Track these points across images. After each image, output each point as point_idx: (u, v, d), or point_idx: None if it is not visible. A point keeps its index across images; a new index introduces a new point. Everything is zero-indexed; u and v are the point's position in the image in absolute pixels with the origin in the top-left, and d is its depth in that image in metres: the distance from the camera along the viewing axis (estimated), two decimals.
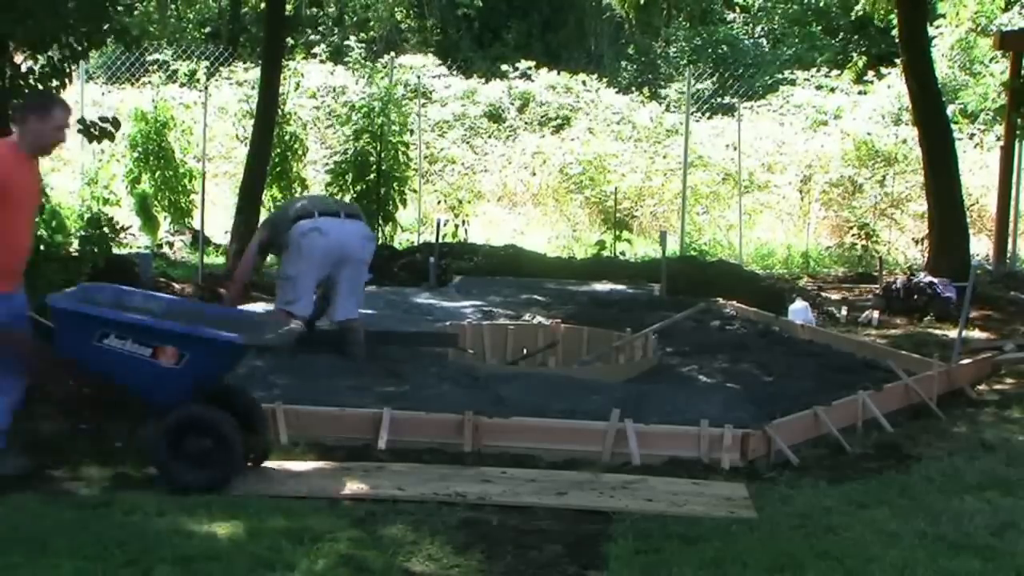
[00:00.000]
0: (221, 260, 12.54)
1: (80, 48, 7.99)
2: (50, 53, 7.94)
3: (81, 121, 8.22)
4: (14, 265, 5.37)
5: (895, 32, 14.57)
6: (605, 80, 23.38)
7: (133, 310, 5.46)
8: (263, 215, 13.05)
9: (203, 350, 5.12)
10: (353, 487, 5.25)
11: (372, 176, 13.77)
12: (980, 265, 12.62)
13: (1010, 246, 13.69)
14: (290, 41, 17.37)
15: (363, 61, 20.45)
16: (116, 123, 8.17)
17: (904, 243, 14.77)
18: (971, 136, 18.31)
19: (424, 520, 4.83)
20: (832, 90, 21.33)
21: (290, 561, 4.31)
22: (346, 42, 23.91)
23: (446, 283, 11.01)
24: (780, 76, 23.46)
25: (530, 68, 22.41)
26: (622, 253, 13.50)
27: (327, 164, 14.79)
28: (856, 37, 26.81)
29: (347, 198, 13.60)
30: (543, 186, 17.29)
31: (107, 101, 16.92)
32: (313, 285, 7.43)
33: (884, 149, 16.75)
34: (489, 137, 19.35)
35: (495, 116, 20.42)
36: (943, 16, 20.20)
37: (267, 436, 5.58)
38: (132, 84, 18.11)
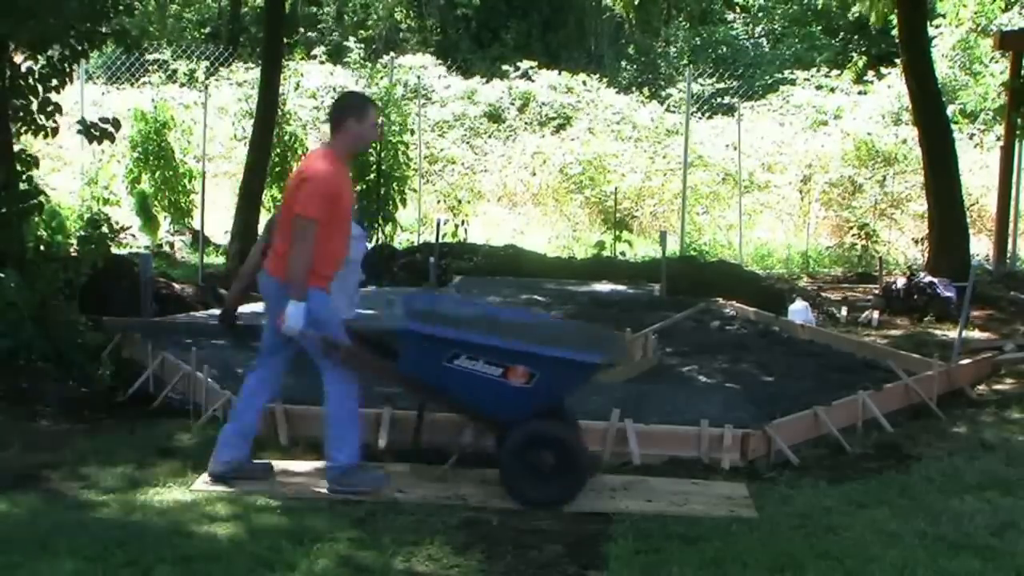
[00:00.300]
0: (221, 260, 12.55)
1: (80, 48, 8.00)
2: (50, 53, 7.95)
3: (81, 122, 8.24)
4: (333, 271, 5.31)
5: (895, 32, 14.57)
6: (605, 80, 23.39)
7: (444, 317, 5.44)
8: (263, 215, 13.06)
9: (557, 369, 5.08)
10: None
11: (372, 176, 13.76)
12: (980, 265, 12.62)
13: (1010, 246, 13.69)
14: (287, 41, 17.37)
15: (363, 61, 20.46)
16: (116, 124, 8.18)
17: (904, 243, 14.77)
18: (971, 136, 18.31)
19: (424, 520, 4.83)
20: (832, 90, 21.33)
21: (290, 561, 4.31)
22: (345, 42, 23.91)
23: (446, 283, 11.01)
24: (780, 76, 23.46)
25: (531, 68, 22.41)
26: (622, 253, 13.50)
27: None
28: (856, 37, 26.81)
29: None
30: (543, 186, 17.29)
31: (107, 101, 16.92)
32: None
33: (884, 149, 16.75)
34: (489, 137, 19.35)
35: (495, 116, 20.42)
36: (943, 16, 20.21)
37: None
38: (132, 84, 18.12)
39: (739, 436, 5.84)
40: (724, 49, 27.04)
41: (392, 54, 19.83)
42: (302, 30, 26.72)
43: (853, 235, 14.59)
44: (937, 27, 20.37)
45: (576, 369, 5.14)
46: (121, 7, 8.25)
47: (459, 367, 5.04)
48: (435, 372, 5.06)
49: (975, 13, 19.66)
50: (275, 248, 5.33)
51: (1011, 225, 13.59)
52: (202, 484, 5.22)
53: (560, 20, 29.08)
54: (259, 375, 5.42)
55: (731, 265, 12.56)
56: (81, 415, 6.41)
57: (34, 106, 7.89)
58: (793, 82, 21.98)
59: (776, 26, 28.97)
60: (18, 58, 8.06)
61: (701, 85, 20.64)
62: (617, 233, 13.78)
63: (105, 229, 8.25)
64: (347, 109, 5.30)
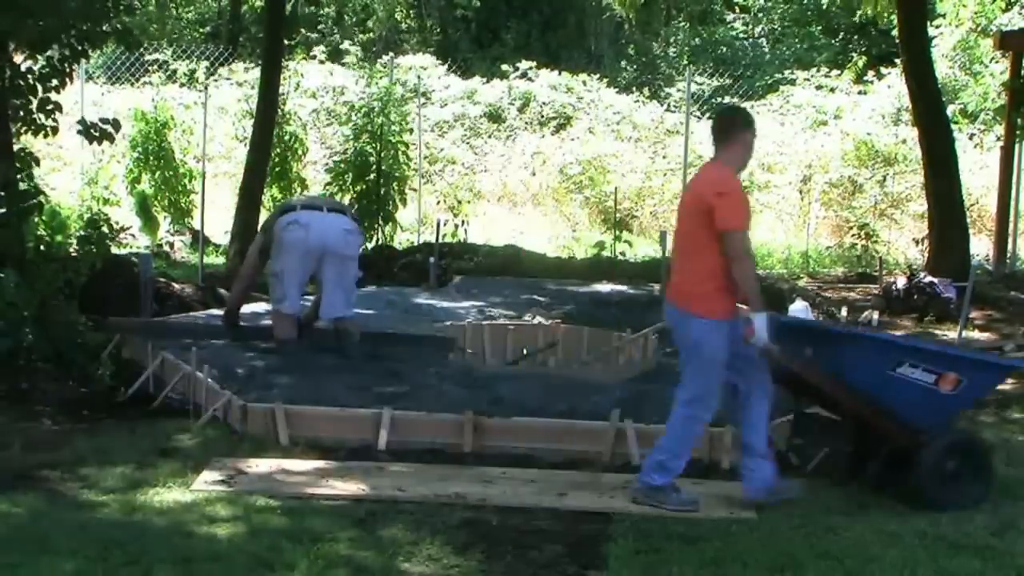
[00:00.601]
0: (221, 260, 12.54)
1: (80, 48, 7.99)
2: (50, 53, 7.94)
3: (81, 122, 8.23)
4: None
5: (895, 32, 14.56)
6: (605, 80, 23.37)
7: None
8: (263, 215, 13.05)
9: (982, 376, 5.36)
10: (353, 487, 5.24)
11: (372, 176, 13.76)
12: (980, 265, 12.62)
13: (1010, 246, 13.68)
14: (288, 41, 17.38)
15: (362, 61, 20.46)
16: (116, 124, 8.18)
17: (904, 243, 14.77)
18: (971, 136, 18.30)
19: (424, 520, 4.83)
20: (832, 90, 21.32)
21: (290, 561, 4.31)
22: (345, 43, 23.90)
23: (446, 283, 11.00)
24: (780, 76, 23.43)
25: (531, 68, 22.40)
26: (622, 253, 13.48)
27: (327, 164, 14.79)
28: (856, 37, 26.80)
29: (347, 198, 13.60)
30: (543, 186, 17.28)
31: (107, 101, 16.92)
32: (298, 281, 7.37)
33: (884, 149, 16.74)
34: (489, 137, 19.34)
35: (495, 116, 20.41)
36: (943, 16, 20.19)
37: None
38: (132, 84, 18.11)
39: (739, 436, 5.83)
40: (724, 49, 27.02)
41: (391, 54, 19.82)
42: (304, 31, 26.70)
43: (853, 235, 14.58)
44: (937, 27, 20.35)
45: (998, 375, 5.58)
46: (121, 6, 8.25)
47: (900, 375, 5.19)
48: (877, 380, 5.19)
49: (975, 13, 19.65)
50: (677, 273, 5.29)
51: (1011, 225, 13.58)
52: (202, 484, 5.22)
53: (560, 20, 29.05)
54: (755, 394, 5.27)
55: None
56: (81, 415, 6.40)
57: (33, 105, 7.88)
58: (793, 82, 21.95)
59: (776, 26, 28.95)
60: (18, 58, 8.06)
61: (699, 85, 20.61)
62: (617, 233, 13.76)
63: (105, 229, 8.24)
64: (742, 123, 5.33)
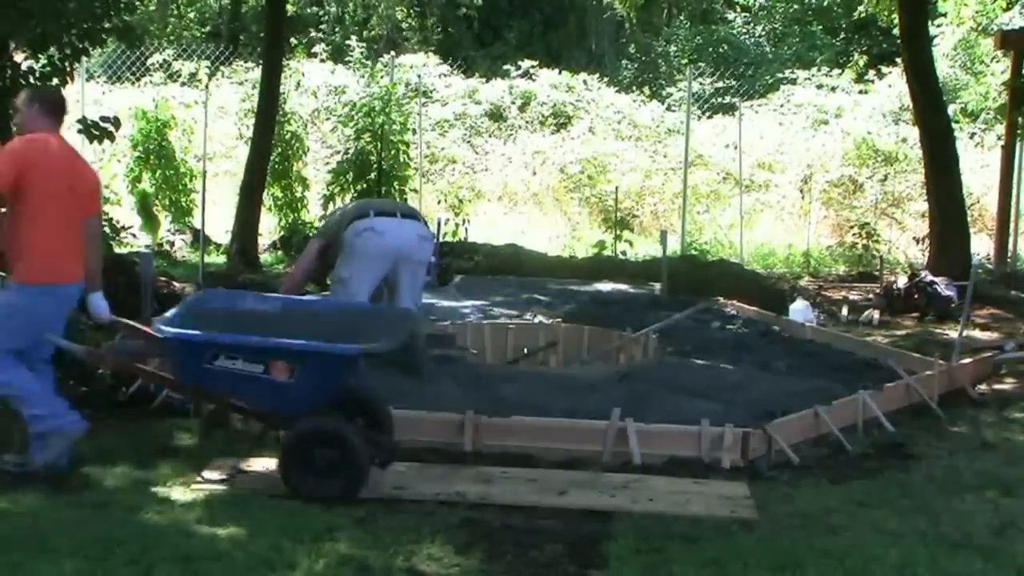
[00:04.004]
0: (222, 259, 12.55)
1: (81, 46, 7.99)
2: (50, 52, 7.95)
3: (82, 121, 8.23)
4: None
5: (896, 31, 14.56)
6: (606, 79, 23.38)
7: (246, 314, 5.45)
8: (263, 214, 13.07)
9: (315, 363, 5.04)
10: None
11: (373, 175, 13.76)
12: (981, 264, 12.62)
13: (1011, 245, 13.69)
14: (292, 41, 17.38)
15: (364, 60, 20.46)
16: (117, 123, 8.17)
17: (905, 242, 14.78)
18: (972, 135, 18.31)
19: (425, 519, 4.83)
20: (833, 89, 21.33)
21: (291, 560, 4.31)
22: (347, 41, 23.91)
23: (447, 282, 11.01)
24: (781, 75, 23.45)
25: (532, 67, 22.40)
26: (623, 252, 13.49)
27: (328, 163, 14.80)
28: (857, 36, 26.82)
29: (348, 197, 13.60)
30: (544, 185, 17.29)
31: (108, 100, 16.93)
32: (368, 288, 7.16)
33: (884, 148, 16.76)
34: (490, 136, 19.34)
35: (496, 115, 20.41)
36: (944, 15, 20.21)
37: (393, 437, 5.50)
38: (133, 83, 18.12)
39: (739, 435, 5.84)
40: (725, 48, 27.05)
41: (393, 53, 19.82)
42: (310, 31, 26.72)
43: (854, 234, 14.60)
44: (938, 26, 20.37)
45: (334, 360, 5.23)
46: (122, 5, 8.25)
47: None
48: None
49: (976, 12, 19.66)
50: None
51: (1012, 224, 13.60)
52: (202, 483, 5.22)
53: (561, 19, 29.11)
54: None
55: (732, 264, 12.57)
56: (81, 415, 6.39)
57: None
58: (794, 81, 21.97)
59: (777, 25, 28.97)
60: (18, 57, 8.06)
61: (701, 84, 20.63)
62: (618, 232, 13.78)
63: (106, 228, 8.23)
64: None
